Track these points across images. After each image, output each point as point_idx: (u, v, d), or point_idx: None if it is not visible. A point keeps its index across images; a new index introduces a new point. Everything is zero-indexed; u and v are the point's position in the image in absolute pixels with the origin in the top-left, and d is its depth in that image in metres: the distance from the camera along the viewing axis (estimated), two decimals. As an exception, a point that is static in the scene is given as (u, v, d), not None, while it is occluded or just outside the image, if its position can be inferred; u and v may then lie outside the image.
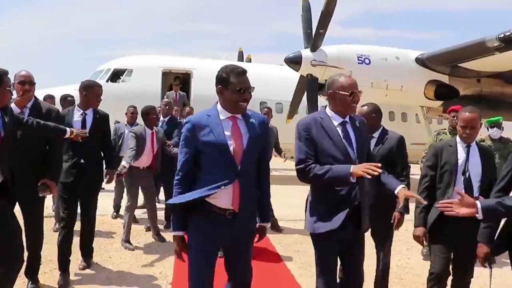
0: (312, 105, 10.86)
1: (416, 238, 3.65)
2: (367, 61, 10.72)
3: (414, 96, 11.40)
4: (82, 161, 4.63)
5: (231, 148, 2.71)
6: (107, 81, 12.69)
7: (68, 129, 4.16)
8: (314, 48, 10.63)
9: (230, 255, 2.91)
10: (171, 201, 2.81)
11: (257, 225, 2.98)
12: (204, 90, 12.70)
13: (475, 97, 11.69)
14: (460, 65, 11.24)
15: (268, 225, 3.09)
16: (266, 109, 7.46)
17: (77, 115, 4.72)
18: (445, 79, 11.46)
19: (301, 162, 2.97)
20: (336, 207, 2.93)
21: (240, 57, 19.46)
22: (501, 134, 6.04)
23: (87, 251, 5.06)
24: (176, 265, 5.00)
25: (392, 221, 3.76)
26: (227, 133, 2.73)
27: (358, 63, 10.59)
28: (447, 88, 11.42)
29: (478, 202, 2.55)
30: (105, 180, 5.19)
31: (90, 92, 4.74)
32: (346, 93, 2.99)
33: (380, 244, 4.00)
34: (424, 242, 3.71)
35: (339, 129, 3.00)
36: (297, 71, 10.92)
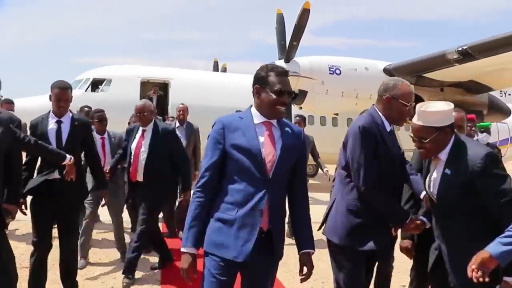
0: (286, 113, 11.38)
1: (404, 250, 3.48)
2: (337, 71, 11.33)
3: (382, 105, 12.04)
4: (57, 175, 3.89)
5: (263, 156, 2.43)
6: (86, 90, 12.94)
7: (68, 156, 3.66)
8: (287, 59, 11.18)
9: (249, 280, 2.53)
10: (188, 219, 2.48)
11: (301, 252, 2.58)
12: (181, 100, 13.12)
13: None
14: (424, 75, 11.95)
15: (313, 252, 2.61)
16: (298, 117, 7.20)
17: (51, 123, 4.00)
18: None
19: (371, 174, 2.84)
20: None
21: (215, 67, 19.88)
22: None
23: (70, 285, 4.18)
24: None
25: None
26: (260, 138, 2.45)
27: (329, 73, 11.19)
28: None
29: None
30: (102, 201, 4.98)
31: (52, 93, 3.97)
32: (405, 103, 2.92)
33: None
34: None
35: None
36: None
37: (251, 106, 2.56)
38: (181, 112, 6.99)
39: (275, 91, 2.44)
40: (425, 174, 2.92)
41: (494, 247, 2.24)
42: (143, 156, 4.87)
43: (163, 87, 13.61)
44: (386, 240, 2.96)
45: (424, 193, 2.89)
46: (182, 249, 2.44)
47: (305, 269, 2.54)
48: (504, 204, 2.33)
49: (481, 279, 2.21)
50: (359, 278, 2.95)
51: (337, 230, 2.93)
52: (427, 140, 2.60)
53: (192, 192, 2.56)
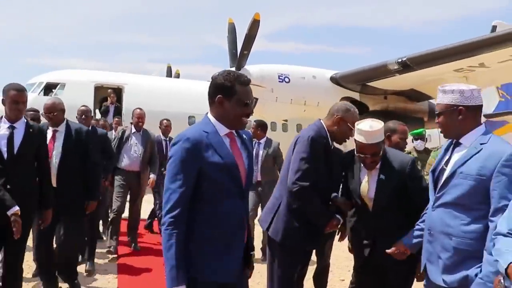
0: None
1: (352, 251, 3.68)
2: (287, 79, 11.85)
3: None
4: (5, 191, 3.47)
5: (239, 170, 2.34)
6: (39, 94, 12.93)
7: (15, 207, 3.39)
8: (239, 68, 11.59)
9: None
10: (169, 256, 2.18)
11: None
12: (135, 105, 13.28)
13: (382, 112, 13.11)
14: (368, 84, 12.65)
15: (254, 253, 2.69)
16: (255, 123, 6.54)
17: (3, 129, 3.69)
18: (356, 96, 12.81)
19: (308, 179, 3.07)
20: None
21: (169, 73, 20.08)
22: (425, 146, 6.55)
23: None
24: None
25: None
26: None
27: (279, 81, 11.69)
28: (358, 104, 12.75)
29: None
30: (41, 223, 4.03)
31: (7, 96, 3.70)
32: (352, 128, 3.12)
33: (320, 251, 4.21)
34: None
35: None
36: None
37: (207, 114, 2.40)
38: (139, 118, 6.51)
39: (242, 103, 2.31)
40: (352, 179, 3.28)
41: (407, 239, 2.87)
42: (56, 159, 4.30)
43: (117, 92, 13.75)
44: (322, 238, 3.33)
45: (333, 195, 3.32)
46: None
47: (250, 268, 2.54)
48: (424, 198, 2.76)
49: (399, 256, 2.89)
50: (293, 275, 3.20)
51: (279, 229, 3.17)
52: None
53: (164, 218, 2.24)
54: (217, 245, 2.27)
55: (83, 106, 5.80)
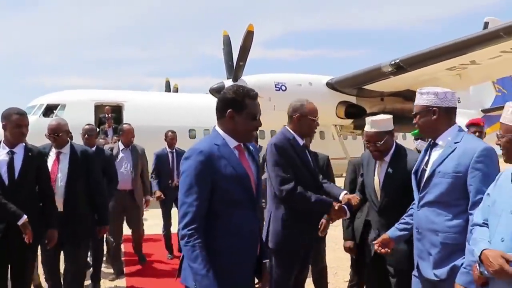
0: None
1: (347, 249, 4.01)
2: (283, 88, 11.99)
3: (327, 116, 12.78)
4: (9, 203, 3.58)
5: (251, 181, 2.43)
6: (40, 116, 13.12)
7: (24, 216, 3.56)
8: (235, 79, 11.75)
9: None
10: (196, 266, 2.22)
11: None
12: (135, 122, 13.47)
13: (380, 114, 13.29)
14: (364, 87, 12.79)
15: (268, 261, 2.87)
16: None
17: (2, 154, 3.70)
18: (353, 99, 12.95)
19: (288, 181, 3.19)
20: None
21: (167, 87, 20.32)
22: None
23: None
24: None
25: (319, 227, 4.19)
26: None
27: (276, 90, 11.83)
28: (355, 107, 12.91)
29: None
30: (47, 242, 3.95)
31: (9, 121, 3.72)
32: (313, 118, 3.36)
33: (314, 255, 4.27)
34: None
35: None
36: None
37: (215, 127, 2.49)
38: (130, 134, 6.30)
39: (252, 116, 2.41)
40: (367, 173, 3.53)
41: (393, 232, 3.00)
42: (61, 182, 4.17)
43: (117, 110, 13.94)
44: (314, 241, 3.53)
45: (343, 193, 3.48)
46: None
47: (264, 276, 2.62)
48: None
49: (383, 251, 2.97)
50: (290, 278, 3.34)
51: (273, 237, 3.33)
52: (381, 143, 3.28)
53: (182, 232, 2.30)
54: (230, 258, 2.34)
55: (88, 124, 5.80)
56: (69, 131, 4.46)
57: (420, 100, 2.74)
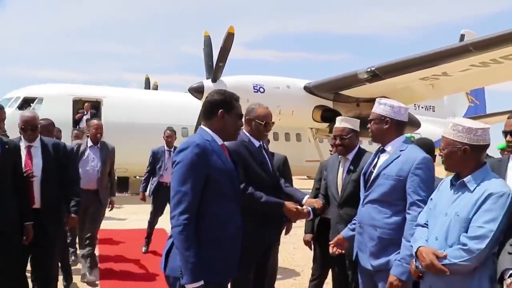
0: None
1: (306, 242, 4.32)
2: (261, 89, 12.20)
3: (303, 120, 13.07)
4: None
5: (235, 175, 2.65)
6: (16, 109, 13.02)
7: None
8: (214, 79, 11.93)
9: None
10: (188, 254, 2.34)
11: None
12: (114, 118, 13.57)
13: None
14: (341, 92, 13.10)
15: None
16: None
17: None
18: (329, 104, 13.24)
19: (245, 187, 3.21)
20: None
21: (147, 84, 20.36)
22: None
23: None
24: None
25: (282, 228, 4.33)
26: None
27: (254, 91, 12.03)
28: (331, 112, 13.19)
29: None
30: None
31: None
32: (260, 122, 3.41)
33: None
34: None
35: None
36: (199, 99, 11.95)
37: (201, 127, 2.66)
38: (97, 129, 5.84)
39: (239, 116, 2.67)
40: (330, 173, 3.76)
41: (346, 232, 3.24)
42: (36, 178, 4.00)
43: (96, 105, 13.96)
44: (276, 235, 3.67)
45: (306, 197, 3.59)
46: (195, 285, 2.34)
47: None
48: None
49: (337, 252, 3.21)
50: (248, 274, 3.39)
51: None
52: (347, 137, 3.54)
53: (177, 221, 2.39)
54: (219, 248, 2.47)
55: (43, 119, 4.91)
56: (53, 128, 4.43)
57: (377, 109, 3.00)
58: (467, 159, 2.39)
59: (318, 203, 3.59)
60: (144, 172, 7.30)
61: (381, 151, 3.04)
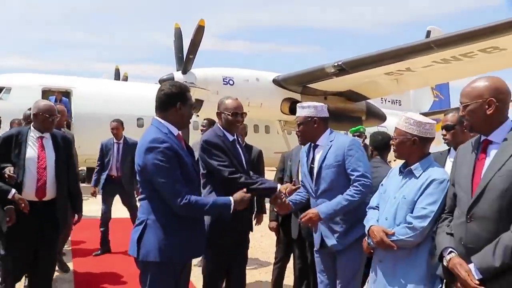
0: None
1: (272, 229, 4.69)
2: (231, 82, 12.38)
3: (272, 112, 13.31)
4: None
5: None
6: (-17, 98, 12.84)
7: (12, 190, 3.66)
8: (185, 71, 12.04)
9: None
10: (208, 209, 2.77)
11: None
12: (84, 108, 13.54)
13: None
14: (309, 85, 13.39)
15: None
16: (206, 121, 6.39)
17: None
18: (297, 97, 13.49)
19: (235, 172, 3.38)
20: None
21: (117, 75, 20.25)
22: (363, 142, 6.95)
23: None
24: None
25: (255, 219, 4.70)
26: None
27: (223, 84, 12.21)
28: (300, 104, 13.49)
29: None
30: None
31: None
32: (229, 114, 3.47)
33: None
34: None
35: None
36: None
37: (155, 118, 2.79)
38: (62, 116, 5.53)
39: (192, 106, 2.84)
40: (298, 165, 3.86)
41: (322, 209, 3.20)
42: (50, 168, 3.95)
43: (65, 96, 13.87)
44: (249, 222, 3.84)
45: (279, 186, 3.61)
46: (232, 205, 2.84)
47: None
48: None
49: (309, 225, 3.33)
50: (219, 269, 3.57)
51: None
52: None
53: (179, 208, 2.66)
54: (187, 231, 2.71)
55: (30, 109, 4.82)
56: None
57: (302, 113, 3.35)
58: (415, 149, 2.69)
59: (289, 187, 3.64)
60: (96, 166, 7.02)
61: (314, 147, 3.37)
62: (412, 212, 2.58)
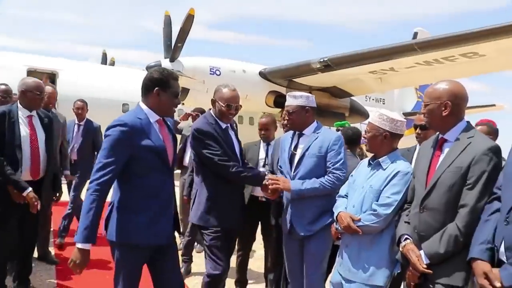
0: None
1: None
2: (218, 72, 12.53)
3: (257, 104, 13.49)
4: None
5: (167, 152, 2.76)
6: (-35, 77, 12.75)
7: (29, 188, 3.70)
8: (172, 59, 12.17)
9: (173, 257, 2.91)
10: (87, 217, 2.53)
11: None
12: (69, 92, 13.51)
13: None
14: (294, 80, 13.59)
15: None
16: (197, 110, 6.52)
17: None
18: (283, 90, 13.69)
19: (227, 161, 3.35)
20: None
21: (104, 59, 20.21)
22: None
23: None
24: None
25: None
26: (160, 136, 2.75)
27: (210, 74, 12.35)
28: (284, 98, 13.51)
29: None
30: None
31: None
32: (222, 105, 3.40)
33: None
34: None
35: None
36: None
37: (139, 103, 2.76)
38: (51, 98, 5.27)
39: (175, 95, 2.74)
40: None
41: (296, 185, 3.30)
42: (42, 146, 4.00)
43: (51, 78, 13.86)
44: (241, 219, 3.60)
45: (268, 173, 3.63)
46: (82, 246, 2.52)
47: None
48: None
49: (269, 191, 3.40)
50: (223, 250, 3.43)
51: (198, 213, 3.45)
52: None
53: (90, 185, 2.58)
54: (149, 214, 2.66)
55: (3, 84, 4.65)
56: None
57: (295, 102, 3.42)
58: (385, 143, 2.89)
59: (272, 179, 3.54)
60: None
61: (299, 135, 3.45)
62: (377, 201, 2.79)
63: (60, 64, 14.39)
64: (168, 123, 2.91)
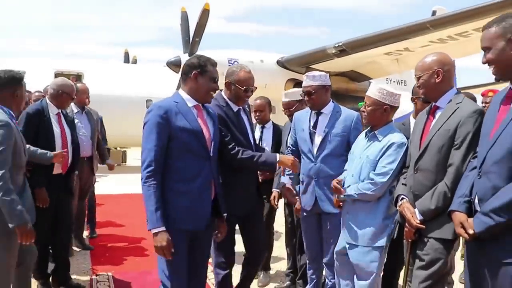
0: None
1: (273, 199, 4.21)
2: (236, 63, 12.79)
3: (276, 92, 13.59)
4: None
5: (204, 135, 2.79)
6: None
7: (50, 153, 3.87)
8: (191, 53, 12.41)
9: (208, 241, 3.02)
10: (150, 203, 2.63)
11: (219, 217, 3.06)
12: (95, 91, 13.98)
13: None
14: (312, 66, 13.74)
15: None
16: None
17: None
18: (301, 77, 13.78)
19: (234, 147, 3.23)
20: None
21: (126, 58, 20.73)
22: None
23: None
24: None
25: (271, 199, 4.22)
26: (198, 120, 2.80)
27: (229, 65, 12.59)
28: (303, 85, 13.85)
29: None
30: None
31: None
32: (240, 87, 3.28)
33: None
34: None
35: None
36: (177, 73, 12.24)
37: (178, 90, 2.85)
38: (84, 94, 5.59)
39: (213, 79, 2.81)
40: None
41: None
42: (69, 144, 4.31)
43: (77, 78, 14.41)
44: (252, 206, 3.50)
45: (279, 156, 3.42)
46: (155, 230, 2.60)
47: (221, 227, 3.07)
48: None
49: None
50: (231, 238, 3.45)
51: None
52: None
53: (142, 174, 2.68)
54: (187, 198, 2.72)
55: (37, 91, 5.60)
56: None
57: (315, 81, 3.54)
58: (384, 116, 3.13)
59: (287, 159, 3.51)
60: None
61: (318, 113, 3.57)
62: (374, 170, 3.06)
63: (85, 65, 14.93)
64: (210, 110, 2.95)
